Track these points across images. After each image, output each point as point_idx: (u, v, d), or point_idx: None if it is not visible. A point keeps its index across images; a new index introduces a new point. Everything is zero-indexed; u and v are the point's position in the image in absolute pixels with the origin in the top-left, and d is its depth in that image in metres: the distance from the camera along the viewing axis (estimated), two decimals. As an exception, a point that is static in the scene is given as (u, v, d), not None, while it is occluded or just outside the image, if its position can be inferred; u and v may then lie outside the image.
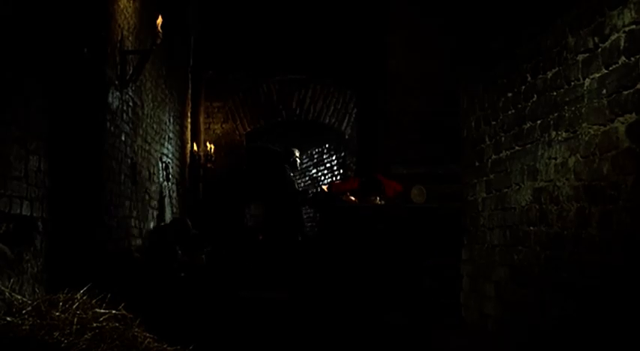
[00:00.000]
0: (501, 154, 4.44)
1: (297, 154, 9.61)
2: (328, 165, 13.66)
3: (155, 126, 7.75)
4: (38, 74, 3.80)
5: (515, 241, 4.16)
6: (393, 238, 6.58)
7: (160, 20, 5.81)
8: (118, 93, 5.68)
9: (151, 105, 7.42)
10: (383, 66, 8.51)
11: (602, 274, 3.09)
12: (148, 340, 3.27)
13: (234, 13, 10.67)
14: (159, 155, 8.03)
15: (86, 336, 2.93)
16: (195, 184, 11.03)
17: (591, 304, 3.18)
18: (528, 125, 3.97)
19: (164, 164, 8.37)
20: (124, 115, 5.95)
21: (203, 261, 7.13)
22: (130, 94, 6.15)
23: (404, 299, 6.24)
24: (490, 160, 4.67)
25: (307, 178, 14.98)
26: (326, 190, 7.70)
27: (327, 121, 12.26)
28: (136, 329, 3.29)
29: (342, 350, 4.92)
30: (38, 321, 2.94)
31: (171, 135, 9.06)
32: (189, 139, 10.85)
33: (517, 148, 4.15)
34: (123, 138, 5.93)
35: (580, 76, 3.32)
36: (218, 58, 11.04)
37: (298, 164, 10.01)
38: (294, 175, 10.13)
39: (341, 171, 12.67)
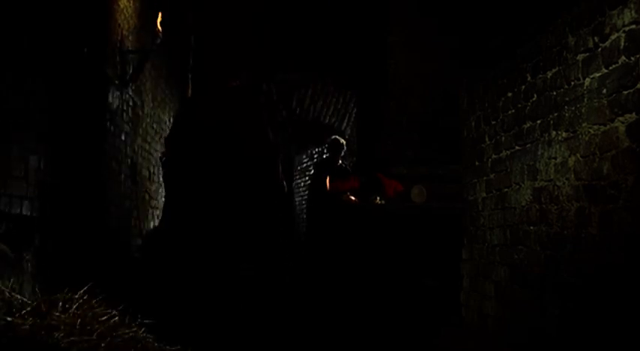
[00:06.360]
0: (501, 154, 4.44)
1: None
2: (328, 165, 13.64)
3: (155, 126, 7.75)
4: (38, 74, 3.80)
5: (515, 240, 4.16)
6: (395, 238, 6.59)
7: (160, 20, 5.82)
8: (118, 93, 5.68)
9: (151, 105, 7.43)
10: (383, 66, 8.51)
11: (602, 274, 3.09)
12: (148, 340, 3.27)
13: (235, 12, 10.66)
14: (159, 155, 8.03)
15: (86, 336, 2.93)
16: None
17: (591, 304, 3.18)
18: (528, 125, 3.97)
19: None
20: (124, 115, 5.96)
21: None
22: (130, 93, 6.16)
23: (406, 301, 6.25)
24: (490, 160, 4.67)
25: (307, 178, 14.98)
26: (328, 188, 7.69)
27: (327, 120, 12.25)
28: (136, 329, 3.29)
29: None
30: (38, 321, 2.94)
31: (171, 135, 9.05)
32: (189, 139, 10.84)
33: (517, 147, 4.15)
34: (123, 138, 5.93)
35: (580, 75, 3.32)
36: (218, 58, 11.03)
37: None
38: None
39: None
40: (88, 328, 3.02)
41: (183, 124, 8.26)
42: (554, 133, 3.61)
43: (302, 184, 15.04)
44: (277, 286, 7.13)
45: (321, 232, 7.43)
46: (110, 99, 5.44)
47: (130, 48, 6.04)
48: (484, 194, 4.80)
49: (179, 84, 9.97)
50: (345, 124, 12.09)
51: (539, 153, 3.80)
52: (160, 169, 8.04)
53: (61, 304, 3.18)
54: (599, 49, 3.12)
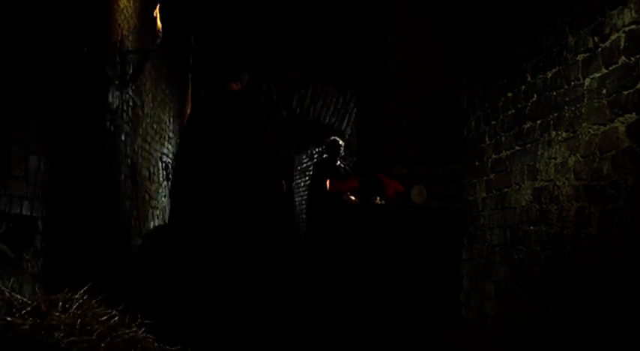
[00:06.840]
0: (501, 154, 4.44)
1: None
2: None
3: (155, 126, 7.75)
4: (38, 74, 3.80)
5: (515, 240, 4.16)
6: (395, 238, 6.60)
7: (157, 14, 5.81)
8: (118, 93, 5.68)
9: (151, 105, 7.42)
10: (383, 66, 8.51)
11: (602, 274, 3.09)
12: (148, 340, 3.27)
13: (235, 12, 10.67)
14: (159, 155, 8.03)
15: (86, 336, 2.93)
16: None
17: (591, 304, 3.18)
18: (528, 125, 3.97)
19: (164, 164, 8.37)
20: (124, 115, 5.95)
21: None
22: (130, 93, 6.15)
23: (406, 301, 6.25)
24: (490, 160, 4.67)
25: (307, 178, 14.97)
26: (328, 188, 7.69)
27: (327, 120, 12.25)
28: (135, 329, 3.29)
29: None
30: (38, 321, 2.93)
31: (171, 134, 9.06)
32: (189, 139, 10.84)
33: (517, 147, 4.15)
34: (123, 138, 5.93)
35: (580, 75, 3.32)
36: (218, 58, 11.04)
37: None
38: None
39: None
40: (88, 328, 3.02)
41: (188, 126, 8.27)
42: (554, 133, 3.61)
43: (302, 184, 15.03)
44: (277, 286, 7.14)
45: (321, 232, 7.44)
46: (110, 99, 5.44)
47: (130, 48, 6.04)
48: (484, 194, 4.80)
49: (179, 84, 9.97)
50: (345, 124, 12.09)
51: (539, 153, 3.80)
52: (162, 169, 8.04)
53: (61, 304, 3.18)
54: (599, 49, 3.13)
